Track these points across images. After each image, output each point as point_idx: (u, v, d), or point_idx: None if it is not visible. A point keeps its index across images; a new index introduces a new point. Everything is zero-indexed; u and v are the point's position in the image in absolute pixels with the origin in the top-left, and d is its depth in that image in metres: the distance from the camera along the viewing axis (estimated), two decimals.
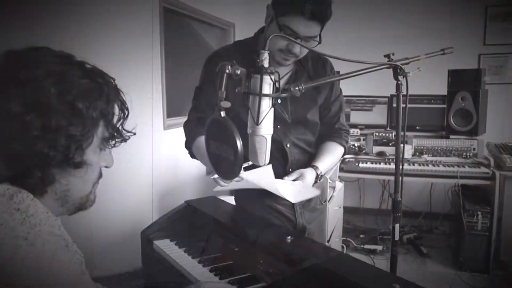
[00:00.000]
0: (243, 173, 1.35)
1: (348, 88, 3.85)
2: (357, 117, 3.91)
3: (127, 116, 0.84)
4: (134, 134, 0.87)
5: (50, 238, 0.70)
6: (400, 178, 1.38)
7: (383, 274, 1.16)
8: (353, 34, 4.39)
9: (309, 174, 1.52)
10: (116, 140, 0.84)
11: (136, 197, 3.20)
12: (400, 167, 1.37)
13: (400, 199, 1.40)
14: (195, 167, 3.94)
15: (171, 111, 3.61)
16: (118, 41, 2.86)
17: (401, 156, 1.37)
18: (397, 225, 1.42)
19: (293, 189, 1.41)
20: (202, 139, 1.49)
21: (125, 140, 0.85)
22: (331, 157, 1.64)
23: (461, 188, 3.29)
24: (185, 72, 3.91)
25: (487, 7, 4.13)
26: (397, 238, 1.42)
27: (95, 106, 0.76)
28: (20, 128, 0.70)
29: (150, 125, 3.28)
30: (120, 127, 0.83)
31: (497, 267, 3.18)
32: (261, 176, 1.44)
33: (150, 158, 3.29)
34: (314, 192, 1.43)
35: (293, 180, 1.48)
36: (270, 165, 1.53)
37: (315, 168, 1.56)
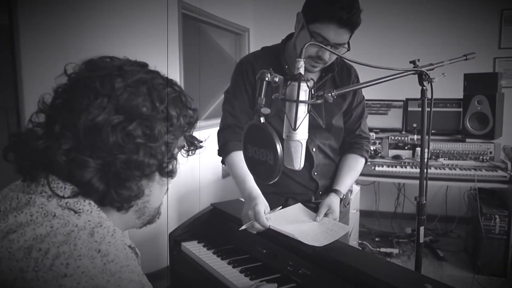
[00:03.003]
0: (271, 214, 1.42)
1: (363, 91, 3.87)
2: (372, 120, 3.92)
3: (196, 123, 0.85)
4: (203, 141, 0.87)
5: (129, 286, 0.67)
6: (425, 181, 1.42)
7: (414, 275, 1.19)
8: (370, 40, 4.41)
9: (335, 204, 1.57)
10: (191, 148, 0.85)
11: None
12: (425, 170, 1.41)
13: (425, 202, 1.43)
14: (211, 171, 3.99)
15: None
16: (141, 46, 2.92)
17: (425, 159, 1.40)
18: (421, 228, 1.44)
19: (323, 230, 1.44)
20: (236, 155, 1.55)
21: (200, 147, 0.86)
22: (352, 174, 1.70)
23: (478, 191, 3.30)
24: (201, 77, 3.96)
25: (502, 11, 4.13)
26: (421, 240, 1.44)
27: (185, 114, 0.78)
28: (124, 137, 0.70)
29: None
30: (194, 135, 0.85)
31: None
32: (291, 216, 1.51)
33: None
34: (344, 229, 1.45)
35: (323, 215, 1.52)
36: (299, 204, 1.59)
37: (337, 192, 1.61)
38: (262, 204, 1.42)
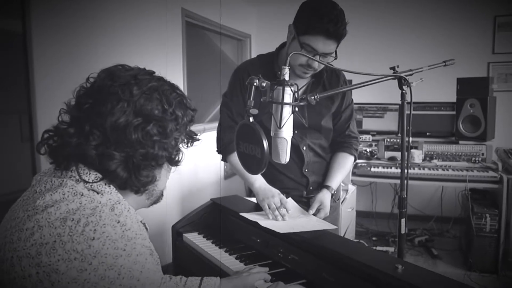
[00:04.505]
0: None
1: (361, 96, 4.04)
2: (369, 123, 4.06)
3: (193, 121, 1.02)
4: (199, 135, 1.04)
5: (142, 250, 0.83)
6: (406, 177, 1.55)
7: (389, 257, 1.33)
8: (366, 47, 4.55)
9: (327, 200, 1.72)
10: (189, 141, 1.01)
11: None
12: (406, 169, 1.54)
13: (405, 196, 1.56)
14: (214, 171, 4.13)
15: None
16: (147, 54, 3.08)
17: (406, 158, 1.54)
18: (403, 220, 1.58)
19: (310, 225, 1.58)
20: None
21: (197, 139, 1.03)
22: (342, 170, 1.84)
23: (470, 192, 3.42)
24: (204, 81, 4.12)
25: (495, 17, 4.26)
26: (403, 231, 1.57)
27: (187, 114, 0.95)
28: (144, 135, 0.87)
29: None
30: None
31: (505, 268, 3.29)
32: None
33: None
34: (330, 227, 1.58)
35: (315, 209, 1.68)
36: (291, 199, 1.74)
37: (329, 188, 1.76)
38: (278, 192, 1.68)
